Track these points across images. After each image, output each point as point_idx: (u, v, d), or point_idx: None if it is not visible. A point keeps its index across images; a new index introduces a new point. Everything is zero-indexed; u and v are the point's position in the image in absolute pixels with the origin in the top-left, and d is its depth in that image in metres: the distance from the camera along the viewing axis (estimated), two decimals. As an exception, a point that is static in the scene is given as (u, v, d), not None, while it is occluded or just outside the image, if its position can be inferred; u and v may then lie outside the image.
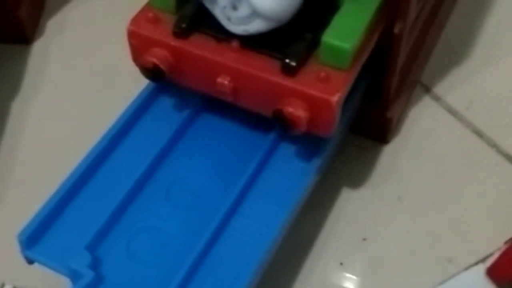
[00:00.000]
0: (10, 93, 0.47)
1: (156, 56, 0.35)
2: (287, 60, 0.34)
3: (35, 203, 0.40)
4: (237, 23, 0.33)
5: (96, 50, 0.50)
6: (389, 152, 0.44)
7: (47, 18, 0.52)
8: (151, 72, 0.36)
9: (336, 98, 0.33)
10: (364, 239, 0.40)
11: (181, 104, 0.39)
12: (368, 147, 0.44)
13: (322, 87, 0.33)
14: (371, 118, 0.42)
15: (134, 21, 0.36)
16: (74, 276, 0.33)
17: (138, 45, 0.36)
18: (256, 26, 0.33)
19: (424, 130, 0.45)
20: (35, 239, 0.34)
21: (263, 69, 0.34)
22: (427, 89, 0.47)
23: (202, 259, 0.34)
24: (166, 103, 0.40)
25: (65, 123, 0.46)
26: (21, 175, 0.43)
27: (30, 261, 0.34)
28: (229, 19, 0.34)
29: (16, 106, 0.47)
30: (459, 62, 0.48)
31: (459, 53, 0.49)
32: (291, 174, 0.37)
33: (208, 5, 0.34)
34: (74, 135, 0.45)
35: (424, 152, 0.44)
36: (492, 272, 0.36)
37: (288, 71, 0.34)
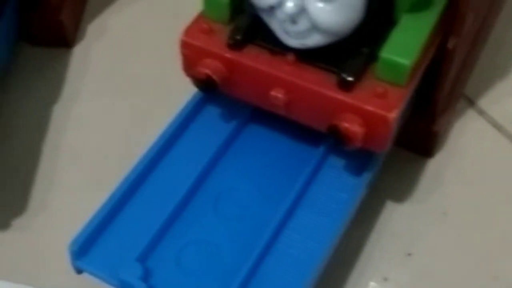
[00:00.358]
0: (51, 96, 0.47)
1: (210, 67, 0.35)
2: (343, 75, 0.33)
3: (77, 210, 0.41)
4: (295, 37, 0.33)
5: (136, 55, 0.50)
6: (433, 166, 0.43)
7: (88, 22, 0.52)
8: (203, 83, 0.35)
9: (393, 115, 0.33)
10: (409, 254, 0.40)
11: (229, 114, 0.39)
12: (412, 160, 0.44)
13: (379, 103, 0.33)
14: (417, 131, 0.42)
15: (188, 31, 0.36)
16: (125, 287, 0.33)
17: (191, 55, 0.36)
18: (314, 40, 0.33)
19: (469, 144, 0.44)
20: (86, 249, 0.34)
21: (319, 83, 0.34)
22: (471, 102, 0.46)
23: (253, 273, 0.34)
24: (214, 112, 0.39)
25: (105, 129, 0.46)
26: (63, 181, 0.43)
27: (79, 271, 0.34)
28: (287, 32, 0.33)
29: (58, 110, 0.47)
30: (503, 75, 0.48)
31: (502, 65, 0.48)
32: (341, 188, 0.36)
33: (265, 18, 0.34)
34: (115, 142, 0.45)
35: (469, 167, 0.43)
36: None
37: (345, 86, 0.33)
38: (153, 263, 0.34)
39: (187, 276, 0.34)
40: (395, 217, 0.41)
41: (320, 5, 0.32)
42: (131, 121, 0.46)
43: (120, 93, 0.48)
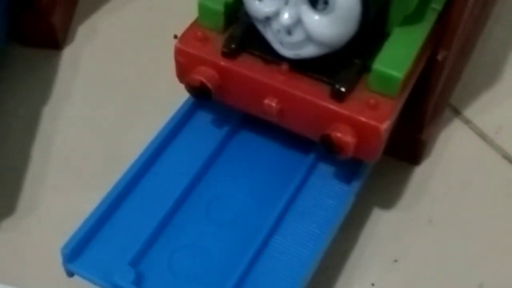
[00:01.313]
0: (41, 98, 0.47)
1: (204, 75, 0.35)
2: (336, 85, 0.34)
3: (66, 212, 0.41)
4: (290, 47, 0.34)
5: (127, 57, 0.50)
6: (420, 174, 0.44)
7: (78, 24, 0.52)
8: (197, 90, 0.36)
9: (385, 126, 0.33)
10: (396, 261, 0.41)
11: (220, 120, 0.39)
12: (399, 168, 0.44)
13: (371, 114, 0.33)
14: (404, 139, 0.43)
15: (182, 39, 0.36)
16: (118, 292, 0.33)
17: (185, 63, 0.36)
18: (308, 51, 0.33)
19: (455, 153, 0.45)
20: (78, 253, 0.34)
21: (312, 93, 0.34)
22: (457, 112, 0.47)
23: (244, 278, 0.34)
24: (205, 118, 0.40)
25: (95, 131, 0.46)
26: (52, 182, 0.43)
27: (71, 274, 0.35)
28: (281, 43, 0.34)
29: (47, 111, 0.47)
30: (488, 84, 0.49)
31: (487, 75, 0.49)
32: (330, 195, 0.37)
33: (260, 28, 0.34)
34: (104, 144, 0.45)
35: (454, 175, 0.44)
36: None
37: (337, 96, 0.34)
38: (145, 267, 0.34)
39: (179, 281, 0.34)
40: (381, 224, 0.42)
41: (316, 17, 0.32)
42: (121, 123, 0.46)
43: (110, 95, 0.48)
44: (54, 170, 0.44)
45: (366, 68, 0.34)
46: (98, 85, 0.48)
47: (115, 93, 0.48)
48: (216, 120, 0.40)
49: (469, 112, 0.47)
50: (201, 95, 0.36)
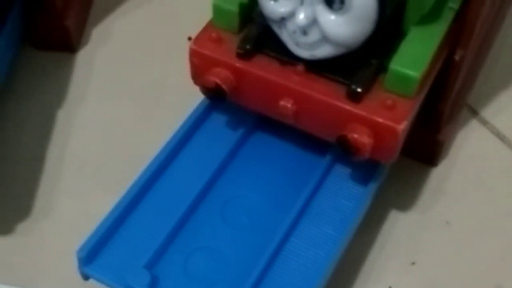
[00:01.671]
0: (56, 101, 0.47)
1: (219, 76, 0.35)
2: (353, 86, 0.34)
3: (81, 215, 0.41)
4: (305, 48, 0.33)
5: (141, 60, 0.50)
6: (437, 175, 0.44)
7: (92, 27, 0.52)
8: (212, 92, 0.36)
9: (402, 126, 0.33)
10: (413, 263, 0.40)
11: (235, 122, 0.39)
12: (416, 169, 0.44)
13: (388, 115, 0.33)
14: (421, 140, 0.42)
15: (197, 40, 0.36)
16: (132, 294, 0.33)
17: (200, 64, 0.36)
18: (324, 51, 0.33)
19: (472, 154, 0.45)
20: (94, 256, 0.34)
21: (328, 94, 0.34)
22: (474, 112, 0.47)
23: (259, 281, 0.34)
24: (220, 120, 0.40)
25: (109, 134, 0.46)
26: (67, 186, 0.43)
27: (86, 277, 0.34)
28: (297, 43, 0.33)
29: (62, 114, 0.47)
30: (506, 85, 0.48)
31: (505, 75, 0.49)
32: (347, 197, 0.37)
33: (275, 28, 0.34)
34: (119, 147, 0.45)
35: (472, 177, 0.44)
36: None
37: (354, 97, 0.34)
38: (160, 270, 0.34)
39: (194, 283, 0.34)
40: (399, 226, 0.41)
41: (332, 17, 0.32)
42: (135, 125, 0.46)
43: (124, 97, 0.48)
44: (69, 173, 0.44)
45: (382, 68, 0.34)
46: (112, 87, 0.48)
47: (129, 95, 0.48)
48: (231, 121, 0.39)
49: (487, 112, 0.47)
50: (216, 97, 0.36)
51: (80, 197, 0.43)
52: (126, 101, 0.47)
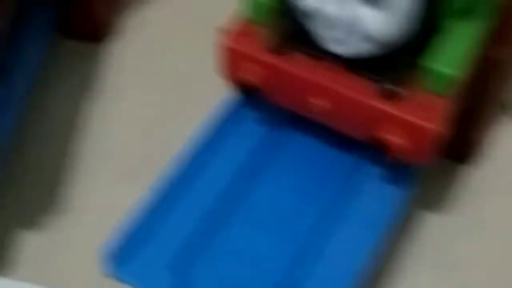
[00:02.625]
0: (86, 93, 0.47)
1: (250, 72, 0.34)
2: (387, 84, 0.33)
3: (110, 211, 0.40)
4: (339, 44, 0.32)
5: (172, 53, 0.49)
6: (470, 175, 0.42)
7: (123, 17, 0.51)
8: (243, 87, 0.35)
9: (438, 127, 0.32)
10: (447, 267, 0.39)
11: (265, 120, 0.38)
12: (447, 167, 0.43)
13: (424, 115, 0.32)
14: (454, 139, 0.41)
15: (227, 34, 0.35)
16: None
17: (231, 59, 0.35)
18: (360, 48, 0.32)
19: (506, 152, 0.43)
20: (120, 256, 0.34)
21: (361, 92, 0.33)
22: (507, 109, 0.45)
23: (292, 285, 0.33)
24: (250, 117, 0.39)
25: (140, 127, 0.45)
26: (96, 181, 0.43)
27: (112, 277, 0.34)
28: (330, 39, 0.32)
29: (93, 107, 0.46)
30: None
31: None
32: (383, 200, 0.36)
33: (309, 22, 0.33)
34: (150, 141, 0.44)
35: (507, 176, 0.42)
36: None
37: (388, 96, 0.33)
38: (190, 274, 0.33)
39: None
40: (430, 229, 0.40)
41: (370, 12, 0.31)
42: (161, 121, 0.45)
43: (155, 90, 0.47)
44: (90, 168, 0.43)
45: (418, 66, 0.33)
46: (143, 79, 0.48)
47: (161, 87, 0.47)
48: (261, 118, 0.39)
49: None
50: (246, 92, 0.35)
51: (109, 192, 0.42)
52: (157, 92, 0.47)
